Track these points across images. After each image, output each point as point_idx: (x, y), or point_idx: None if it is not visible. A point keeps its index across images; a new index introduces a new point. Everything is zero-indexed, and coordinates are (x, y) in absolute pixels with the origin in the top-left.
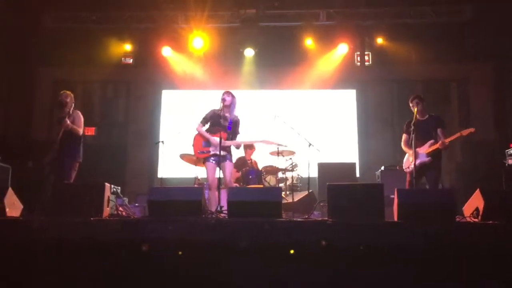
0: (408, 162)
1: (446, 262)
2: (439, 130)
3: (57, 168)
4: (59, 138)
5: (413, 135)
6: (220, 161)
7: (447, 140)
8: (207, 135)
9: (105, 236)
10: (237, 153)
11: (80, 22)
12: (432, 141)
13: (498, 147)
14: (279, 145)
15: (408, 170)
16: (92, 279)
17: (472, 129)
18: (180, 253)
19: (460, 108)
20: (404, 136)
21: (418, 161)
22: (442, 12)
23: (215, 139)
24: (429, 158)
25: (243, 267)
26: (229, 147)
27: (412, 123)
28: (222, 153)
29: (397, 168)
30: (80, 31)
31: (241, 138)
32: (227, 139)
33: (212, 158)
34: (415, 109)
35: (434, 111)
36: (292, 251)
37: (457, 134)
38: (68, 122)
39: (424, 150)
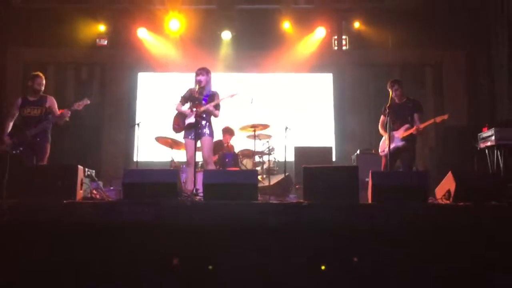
0: (384, 145)
1: (418, 243)
2: (415, 115)
3: (37, 153)
4: (38, 127)
5: (388, 118)
6: (196, 135)
7: (421, 126)
8: (183, 110)
9: (77, 218)
10: (215, 136)
11: (52, 1)
12: (407, 125)
13: (471, 131)
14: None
15: (383, 153)
16: (64, 262)
17: (445, 116)
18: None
19: (434, 93)
20: (381, 118)
21: (392, 145)
22: None
23: (187, 110)
24: (403, 142)
25: (219, 249)
26: (207, 121)
27: (387, 106)
28: (200, 125)
29: (373, 152)
30: (52, 11)
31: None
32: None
33: (190, 134)
34: (393, 93)
35: (410, 95)
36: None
37: (431, 121)
38: (57, 120)
39: (399, 134)
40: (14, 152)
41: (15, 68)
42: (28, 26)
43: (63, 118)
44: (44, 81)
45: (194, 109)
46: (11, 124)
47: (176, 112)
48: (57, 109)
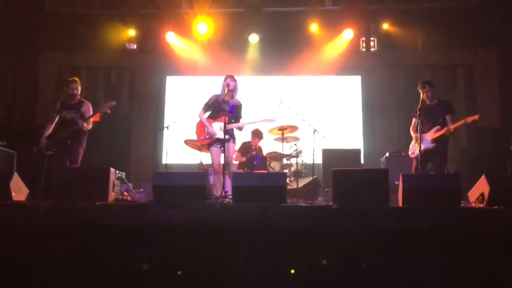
0: (414, 147)
1: (450, 247)
2: (447, 117)
3: (70, 156)
4: (69, 129)
5: (418, 120)
6: (225, 145)
7: (452, 127)
8: (206, 123)
9: (110, 220)
10: (242, 138)
11: (84, 7)
12: (438, 127)
13: (503, 132)
14: (273, 120)
15: (413, 155)
16: (98, 262)
17: (476, 116)
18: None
19: (466, 94)
20: (413, 121)
21: (423, 147)
22: None
23: (212, 129)
24: (434, 144)
25: (248, 252)
26: (232, 131)
27: (418, 107)
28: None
29: (403, 154)
30: (84, 16)
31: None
32: (229, 123)
33: (216, 143)
34: (424, 95)
35: (442, 97)
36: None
37: (461, 121)
38: (84, 124)
39: (429, 136)
40: (47, 153)
41: (48, 72)
42: (61, 31)
43: (90, 122)
44: (79, 86)
45: (221, 126)
46: (51, 127)
47: (199, 119)
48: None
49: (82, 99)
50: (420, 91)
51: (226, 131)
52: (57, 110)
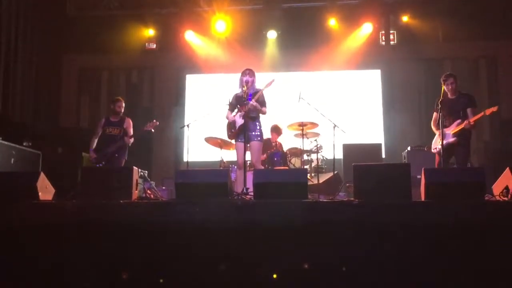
0: (436, 143)
1: (475, 241)
2: (469, 110)
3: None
4: (116, 144)
5: (440, 114)
6: (246, 137)
7: (472, 120)
8: (230, 116)
9: (134, 218)
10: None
11: (103, 9)
12: (459, 120)
13: None
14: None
15: (435, 150)
16: (123, 260)
17: (495, 108)
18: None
19: (489, 86)
20: (434, 115)
21: (445, 141)
22: None
23: (233, 117)
24: (456, 137)
25: (270, 248)
26: (257, 122)
27: (439, 101)
28: (250, 128)
29: (425, 149)
30: (103, 18)
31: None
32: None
33: (240, 137)
34: (447, 87)
35: (464, 89)
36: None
37: (481, 114)
38: (130, 140)
39: (450, 130)
40: (97, 165)
41: (70, 73)
42: (82, 33)
43: (131, 139)
44: (123, 104)
45: (241, 111)
46: (96, 141)
47: (227, 121)
48: (131, 130)
49: (124, 116)
50: (443, 84)
51: (250, 117)
52: (102, 126)
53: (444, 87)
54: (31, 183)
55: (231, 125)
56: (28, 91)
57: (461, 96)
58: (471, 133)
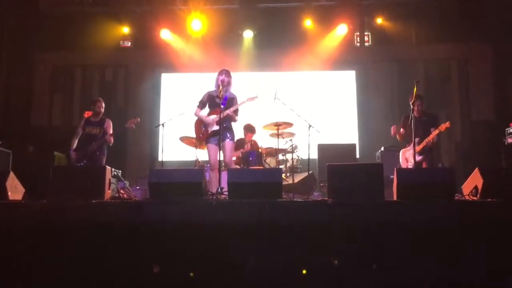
0: (405, 163)
1: (445, 240)
2: (432, 129)
3: (99, 165)
4: (97, 143)
5: (413, 126)
6: (219, 140)
7: (430, 139)
8: (202, 116)
9: (107, 218)
10: (236, 135)
11: (77, 5)
12: (418, 139)
13: (497, 126)
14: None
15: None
16: (95, 260)
17: (447, 124)
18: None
19: (460, 87)
20: (401, 130)
21: (410, 165)
22: None
23: (208, 118)
24: (422, 156)
25: (244, 247)
26: (228, 125)
27: (410, 120)
28: (222, 131)
29: (397, 149)
30: (77, 15)
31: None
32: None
33: (213, 139)
34: (415, 108)
35: (436, 90)
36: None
37: (436, 131)
38: (111, 139)
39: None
40: (78, 164)
41: (42, 71)
42: (55, 30)
43: (112, 138)
44: (103, 104)
45: (215, 117)
46: (76, 141)
47: (196, 118)
48: (111, 131)
49: (104, 116)
50: (411, 104)
51: (221, 125)
52: (82, 126)
53: (413, 107)
54: (0, 182)
55: (200, 125)
56: None
57: (425, 115)
58: (431, 148)
